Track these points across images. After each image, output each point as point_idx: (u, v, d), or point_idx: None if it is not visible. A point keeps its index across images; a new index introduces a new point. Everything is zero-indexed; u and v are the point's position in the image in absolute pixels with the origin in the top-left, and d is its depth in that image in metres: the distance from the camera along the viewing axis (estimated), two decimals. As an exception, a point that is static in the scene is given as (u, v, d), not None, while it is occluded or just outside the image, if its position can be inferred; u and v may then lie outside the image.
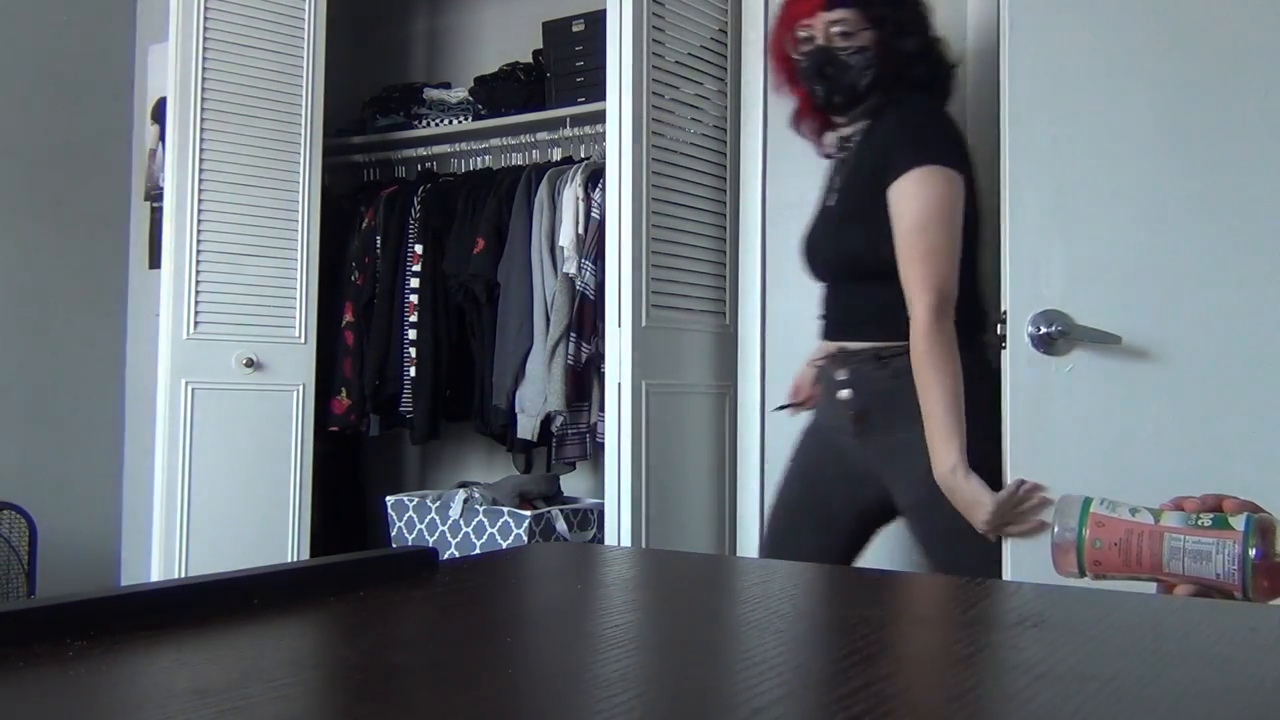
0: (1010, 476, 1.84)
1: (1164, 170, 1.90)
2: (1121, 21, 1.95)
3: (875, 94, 1.90)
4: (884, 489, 1.88)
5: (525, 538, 2.69)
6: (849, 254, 1.91)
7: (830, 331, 1.98)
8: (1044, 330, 1.86)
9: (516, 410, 2.85)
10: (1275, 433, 1.82)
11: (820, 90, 1.93)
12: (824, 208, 2.01)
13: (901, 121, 1.87)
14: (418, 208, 3.11)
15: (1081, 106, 1.92)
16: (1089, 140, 1.92)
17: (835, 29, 1.90)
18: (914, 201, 1.78)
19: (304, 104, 2.84)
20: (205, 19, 2.68)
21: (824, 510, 1.97)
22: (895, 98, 1.89)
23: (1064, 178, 1.92)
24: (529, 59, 3.20)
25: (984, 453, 1.76)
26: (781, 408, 2.22)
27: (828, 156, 2.07)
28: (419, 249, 3.08)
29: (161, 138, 3.14)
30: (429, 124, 3.29)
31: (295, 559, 2.72)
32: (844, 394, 1.88)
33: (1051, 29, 1.95)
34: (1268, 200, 1.86)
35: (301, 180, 2.83)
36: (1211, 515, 0.86)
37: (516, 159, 3.19)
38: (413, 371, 3.05)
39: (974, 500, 1.73)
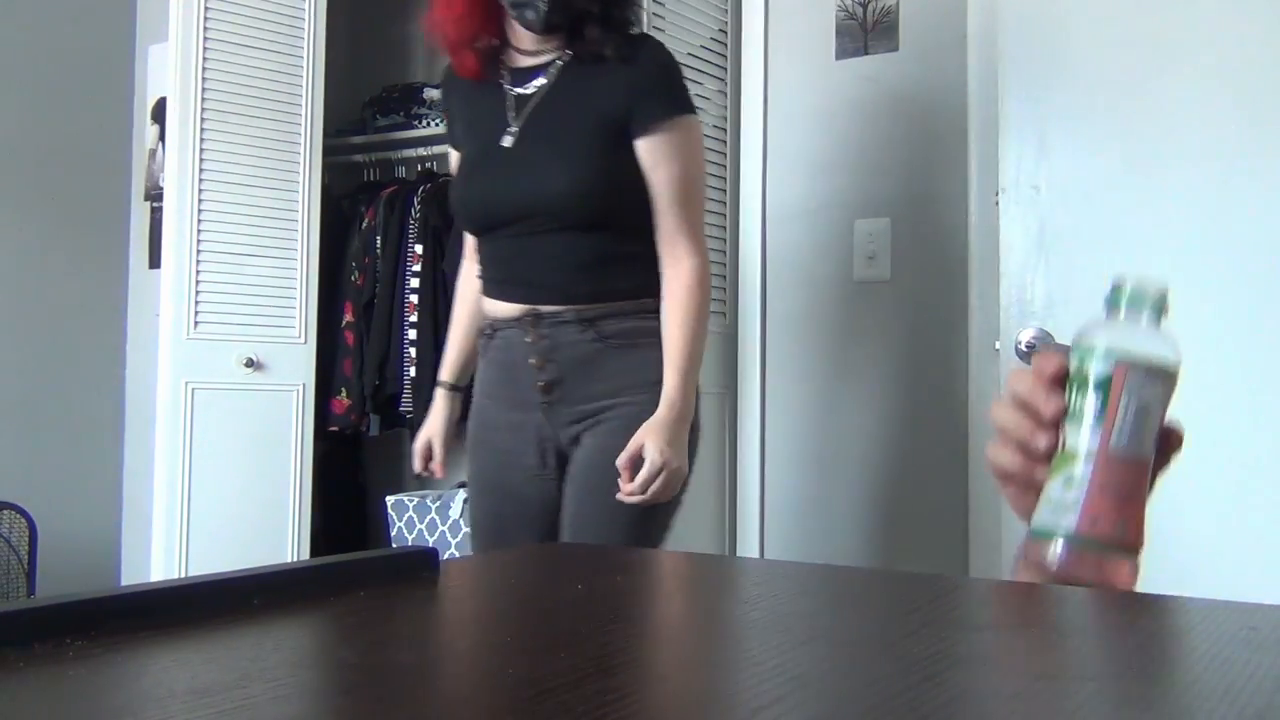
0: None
1: (1131, 211, 2.13)
2: (1100, 83, 2.17)
3: (589, 24, 1.69)
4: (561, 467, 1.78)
5: (525, 538, 2.69)
6: (566, 201, 1.68)
7: (514, 293, 1.76)
8: (1026, 342, 2.20)
9: (516, 410, 2.85)
10: (1225, 436, 1.98)
11: (536, 10, 1.67)
12: (494, 147, 1.74)
13: (659, 64, 1.72)
14: (418, 208, 3.11)
15: (1063, 155, 2.22)
16: (1068, 184, 2.20)
17: None
18: (687, 150, 1.73)
19: (304, 104, 2.84)
20: (205, 19, 2.68)
21: (508, 527, 1.82)
22: (631, 35, 1.72)
23: (1046, 218, 2.21)
24: (529, 59, 3.20)
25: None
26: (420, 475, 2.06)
27: (479, 80, 1.78)
28: (419, 249, 3.08)
29: (161, 138, 3.14)
30: (429, 124, 3.29)
31: (295, 559, 2.72)
32: (533, 361, 1.73)
33: (1038, 97, 2.21)
34: (1224, 227, 2.04)
35: (301, 180, 2.83)
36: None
37: (516, 159, 3.18)
38: (413, 371, 3.05)
39: (682, 462, 1.69)
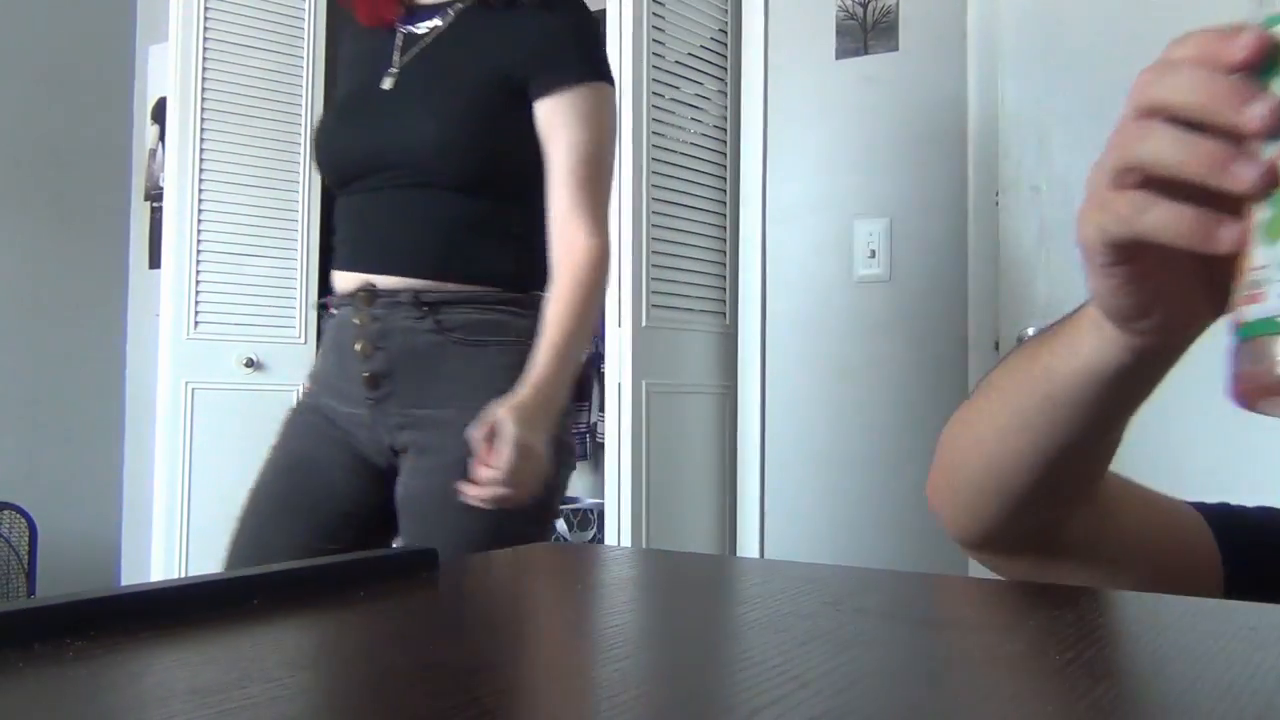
0: None
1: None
2: (1099, 85, 2.19)
3: None
4: (388, 479, 1.49)
5: (525, 538, 2.69)
6: (432, 153, 1.45)
7: (354, 260, 1.51)
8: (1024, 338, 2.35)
9: (516, 410, 2.84)
10: (1223, 436, 1.99)
11: None
12: (372, 90, 1.52)
13: (574, 21, 1.51)
14: (418, 208, 3.11)
15: (1063, 155, 2.25)
16: (1068, 184, 2.24)
17: None
18: (594, 120, 1.49)
19: (304, 104, 2.84)
20: (205, 19, 2.69)
21: (301, 501, 1.51)
22: None
23: (1047, 218, 2.26)
24: (529, 59, 3.20)
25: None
26: None
27: (382, 27, 1.58)
28: (419, 249, 3.08)
29: (161, 138, 3.14)
30: (429, 124, 3.29)
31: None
32: (359, 347, 1.46)
33: (1038, 97, 2.23)
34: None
35: (301, 180, 2.83)
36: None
37: (516, 159, 3.18)
38: (413, 371, 3.04)
39: (543, 450, 1.36)
